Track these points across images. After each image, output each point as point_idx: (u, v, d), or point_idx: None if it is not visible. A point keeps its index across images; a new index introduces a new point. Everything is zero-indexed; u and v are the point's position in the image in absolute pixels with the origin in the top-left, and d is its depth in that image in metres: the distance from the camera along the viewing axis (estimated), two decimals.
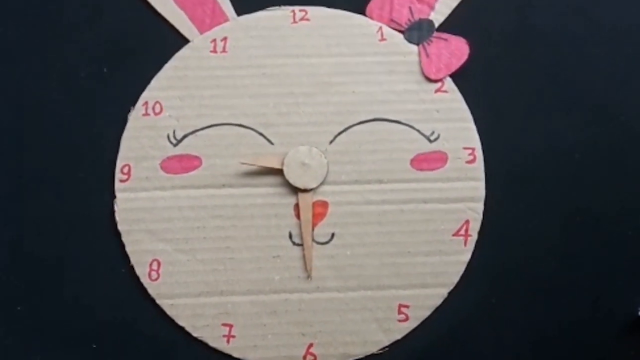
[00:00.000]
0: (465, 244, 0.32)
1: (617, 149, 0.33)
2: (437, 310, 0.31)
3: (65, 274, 0.32)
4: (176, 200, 0.32)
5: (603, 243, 0.32)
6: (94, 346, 0.31)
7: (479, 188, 0.32)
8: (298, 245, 0.31)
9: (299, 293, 0.31)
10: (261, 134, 0.32)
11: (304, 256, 0.31)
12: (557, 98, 0.33)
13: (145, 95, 0.33)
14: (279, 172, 0.32)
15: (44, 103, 0.33)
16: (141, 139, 0.32)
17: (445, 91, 0.33)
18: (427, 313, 0.31)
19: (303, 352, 0.31)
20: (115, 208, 0.32)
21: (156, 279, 0.31)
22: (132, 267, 0.31)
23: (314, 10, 0.33)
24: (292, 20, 0.33)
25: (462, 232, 0.31)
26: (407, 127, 0.32)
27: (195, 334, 0.31)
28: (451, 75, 0.33)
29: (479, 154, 0.32)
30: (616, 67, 0.33)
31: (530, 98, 0.33)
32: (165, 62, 0.33)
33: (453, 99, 0.33)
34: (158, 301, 0.31)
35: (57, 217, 0.32)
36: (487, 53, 0.33)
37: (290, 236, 0.31)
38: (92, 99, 0.33)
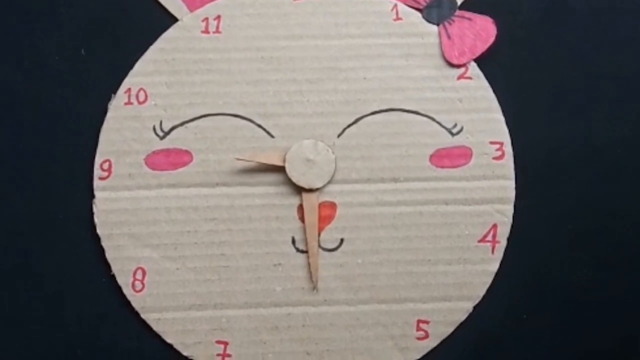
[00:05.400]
0: (492, 251, 0.32)
1: None
2: (461, 326, 0.31)
3: (36, 283, 0.32)
4: (163, 201, 0.32)
5: None
6: None
7: (508, 188, 0.32)
8: (302, 252, 0.32)
9: (303, 306, 0.31)
10: (260, 126, 0.32)
11: (308, 264, 0.31)
12: (595, 86, 0.33)
13: (127, 82, 0.33)
14: (280, 169, 0.32)
15: (10, 91, 0.33)
16: (123, 131, 0.32)
17: (469, 78, 0.33)
18: (450, 330, 0.31)
19: None
20: (94, 209, 0.32)
21: (140, 290, 0.31)
22: (113, 277, 0.31)
23: None
24: None
25: (489, 238, 0.32)
26: (425, 119, 0.32)
27: (185, 353, 0.31)
28: (476, 60, 0.33)
29: (508, 149, 0.32)
30: None
31: (566, 86, 0.33)
32: (151, 43, 0.33)
33: (478, 87, 0.33)
34: (143, 315, 0.31)
35: (27, 219, 0.32)
36: (516, 34, 0.33)
37: (293, 242, 0.32)
38: (67, 85, 0.33)
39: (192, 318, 0.31)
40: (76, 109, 0.33)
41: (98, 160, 0.32)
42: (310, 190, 0.32)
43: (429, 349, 0.31)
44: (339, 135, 0.32)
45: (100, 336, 0.31)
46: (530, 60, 0.33)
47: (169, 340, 0.31)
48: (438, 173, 0.32)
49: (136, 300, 0.31)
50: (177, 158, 0.32)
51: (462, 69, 0.33)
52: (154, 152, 0.32)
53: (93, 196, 0.32)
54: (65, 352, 0.31)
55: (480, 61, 0.33)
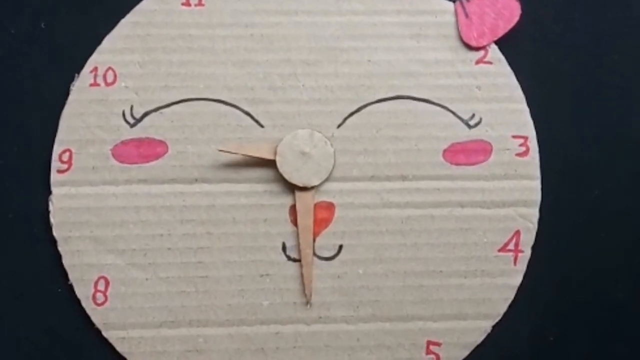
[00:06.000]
0: (514, 262, 0.30)
1: None
2: (477, 349, 0.30)
3: None
4: (132, 199, 0.30)
5: None
6: None
7: (533, 189, 0.31)
8: (294, 260, 0.30)
9: (294, 324, 0.30)
10: (247, 114, 0.31)
11: (301, 275, 0.30)
12: (631, 73, 0.32)
13: (94, 59, 0.31)
14: (270, 163, 0.30)
15: None
16: (87, 117, 0.31)
17: (489, 62, 0.32)
18: (464, 353, 0.30)
19: None
20: (51, 207, 0.30)
21: (102, 303, 0.30)
22: (70, 287, 0.30)
23: None
24: None
25: (511, 246, 0.30)
26: (439, 108, 0.31)
27: None
28: (497, 42, 0.32)
29: (533, 144, 0.31)
30: None
31: (599, 74, 0.32)
32: (122, 16, 0.32)
33: (499, 73, 0.32)
34: (105, 333, 0.30)
35: None
36: (543, 14, 0.32)
37: (284, 248, 0.30)
38: (23, 63, 0.32)
39: (163, 337, 0.30)
40: (33, 90, 0.31)
41: (57, 150, 0.31)
42: (304, 189, 0.30)
43: None
44: (338, 126, 0.31)
45: (55, 357, 0.30)
46: (558, 44, 0.32)
47: None
48: (452, 171, 0.31)
49: (97, 315, 0.30)
50: (149, 149, 0.31)
51: (481, 52, 0.32)
52: (122, 142, 0.31)
53: (50, 192, 0.30)
54: None
55: (502, 44, 0.32)
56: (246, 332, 0.30)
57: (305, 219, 0.30)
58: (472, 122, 0.31)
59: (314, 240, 0.30)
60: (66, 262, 0.30)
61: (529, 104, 0.31)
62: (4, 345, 0.29)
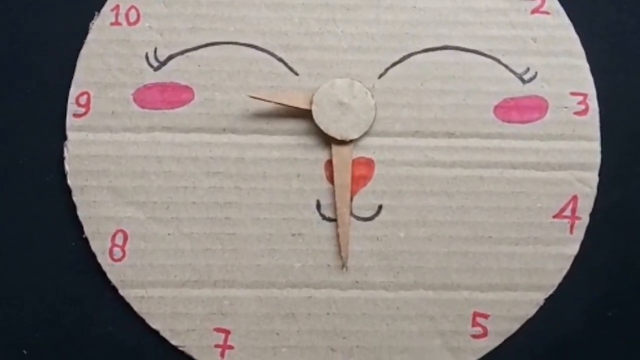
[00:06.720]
0: (571, 230, 0.30)
1: None
2: (528, 323, 0.30)
3: None
4: (154, 148, 0.30)
5: None
6: (25, 352, 0.30)
7: (592, 151, 0.30)
8: (329, 220, 0.30)
9: (328, 289, 0.30)
10: (281, 60, 0.30)
11: (337, 236, 0.30)
12: None
13: None
14: (305, 114, 0.30)
15: None
16: (107, 58, 0.31)
17: (546, 12, 0.31)
18: (514, 327, 0.29)
19: None
20: (65, 154, 0.30)
21: (120, 259, 0.30)
22: (85, 240, 0.30)
23: None
24: None
25: (568, 212, 0.30)
26: (490, 61, 0.31)
27: (174, 342, 0.29)
28: None
29: (593, 103, 0.30)
30: None
31: None
32: None
33: (557, 24, 0.31)
34: (122, 291, 0.30)
35: None
36: None
37: (319, 207, 0.30)
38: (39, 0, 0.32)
39: (186, 298, 0.29)
40: (50, 27, 0.31)
41: (74, 92, 0.30)
42: (342, 143, 0.30)
43: (487, 350, 0.29)
44: (380, 76, 0.30)
45: (67, 315, 0.30)
46: None
47: (154, 326, 0.29)
48: (504, 129, 0.30)
49: (114, 272, 0.30)
50: (174, 95, 0.30)
51: (538, 1, 0.31)
52: (145, 86, 0.30)
53: (65, 137, 0.30)
54: (22, 334, 0.29)
55: None
56: (276, 295, 0.29)
57: (342, 176, 0.29)
58: (526, 77, 0.30)
59: (351, 199, 0.30)
60: (81, 213, 0.30)
61: (588, 59, 0.31)
62: (12, 302, 0.29)
